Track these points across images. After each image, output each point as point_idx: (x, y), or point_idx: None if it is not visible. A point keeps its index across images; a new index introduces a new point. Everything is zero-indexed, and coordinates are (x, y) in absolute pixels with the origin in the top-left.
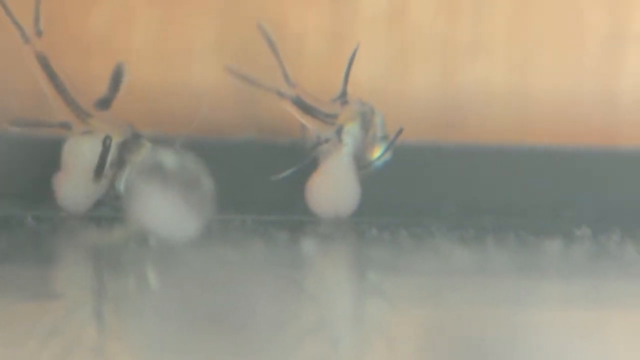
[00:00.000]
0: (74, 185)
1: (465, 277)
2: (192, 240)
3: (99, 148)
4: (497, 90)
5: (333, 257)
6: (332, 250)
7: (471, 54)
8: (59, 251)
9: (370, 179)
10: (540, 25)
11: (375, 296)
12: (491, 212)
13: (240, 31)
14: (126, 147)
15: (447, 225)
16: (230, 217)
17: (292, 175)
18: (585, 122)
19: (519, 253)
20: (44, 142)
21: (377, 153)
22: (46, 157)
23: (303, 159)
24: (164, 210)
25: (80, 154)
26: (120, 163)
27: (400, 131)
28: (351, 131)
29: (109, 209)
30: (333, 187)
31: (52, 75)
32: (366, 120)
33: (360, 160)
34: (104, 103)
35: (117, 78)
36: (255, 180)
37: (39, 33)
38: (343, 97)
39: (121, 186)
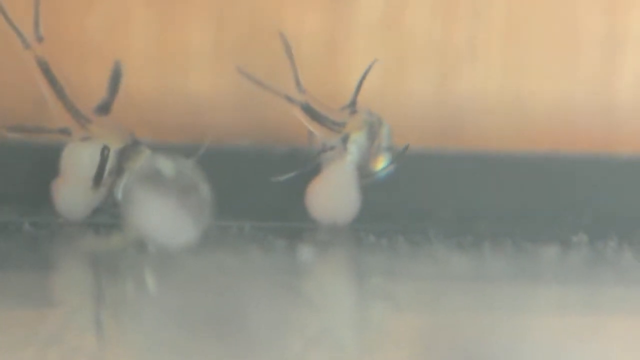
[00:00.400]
0: (73, 192)
1: (463, 283)
2: (190, 247)
3: (97, 155)
4: (493, 97)
5: (331, 263)
6: (330, 257)
7: (468, 60)
8: (56, 257)
9: (368, 186)
10: (537, 31)
11: (373, 302)
12: (488, 218)
13: (238, 37)
14: (125, 155)
15: (444, 231)
16: (228, 224)
17: (293, 179)
18: (582, 128)
19: (516, 259)
20: (41, 148)
21: (380, 164)
22: (44, 163)
23: (306, 164)
24: (162, 217)
25: (79, 161)
26: (118, 170)
27: (406, 147)
28: (357, 140)
29: (107, 216)
30: (334, 195)
31: (52, 81)
32: (373, 130)
33: (363, 170)
34: (104, 108)
35: (116, 78)
36: (253, 186)
37: (39, 39)
38: (352, 106)
39: (119, 193)
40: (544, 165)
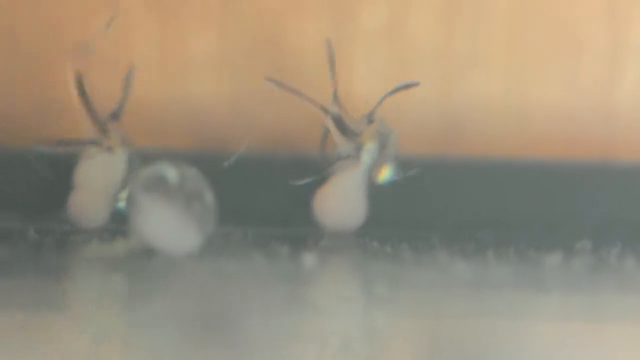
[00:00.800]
0: (90, 203)
1: (466, 290)
2: (193, 253)
3: (113, 166)
4: (495, 104)
5: (334, 270)
6: (333, 263)
7: (469, 67)
8: (60, 264)
9: (372, 193)
10: (539, 39)
11: (376, 309)
12: (491, 225)
13: (240, 44)
14: (131, 163)
15: (447, 238)
16: (231, 230)
17: (298, 185)
18: (584, 135)
19: (519, 266)
20: (45, 155)
21: (385, 172)
22: (49, 170)
23: (324, 171)
24: (167, 224)
25: (96, 172)
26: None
27: (415, 171)
28: (370, 150)
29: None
30: (345, 202)
31: (83, 93)
32: (383, 140)
33: (370, 178)
34: (116, 115)
35: (128, 84)
36: (256, 192)
37: (87, 53)
38: (370, 117)
39: (123, 201)
40: (547, 172)
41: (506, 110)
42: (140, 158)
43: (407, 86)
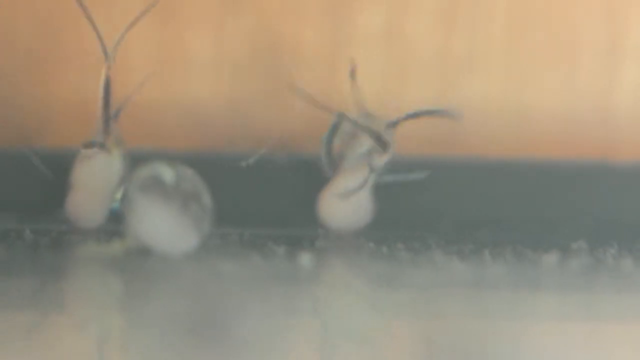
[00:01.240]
0: (88, 203)
1: (463, 290)
2: (189, 254)
3: (111, 167)
4: (493, 106)
5: (330, 270)
6: (329, 264)
7: (468, 69)
8: (57, 264)
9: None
10: (537, 41)
11: (372, 310)
12: (488, 225)
13: (238, 45)
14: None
15: (444, 239)
16: (228, 231)
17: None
18: (581, 136)
19: (516, 266)
20: (41, 155)
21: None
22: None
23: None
24: (163, 225)
25: (94, 172)
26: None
27: (417, 176)
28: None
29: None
30: (351, 202)
31: (107, 96)
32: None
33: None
34: (114, 115)
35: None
36: (253, 193)
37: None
38: (395, 124)
39: (120, 201)
40: (544, 172)
41: (504, 111)
42: (138, 159)
43: (447, 114)
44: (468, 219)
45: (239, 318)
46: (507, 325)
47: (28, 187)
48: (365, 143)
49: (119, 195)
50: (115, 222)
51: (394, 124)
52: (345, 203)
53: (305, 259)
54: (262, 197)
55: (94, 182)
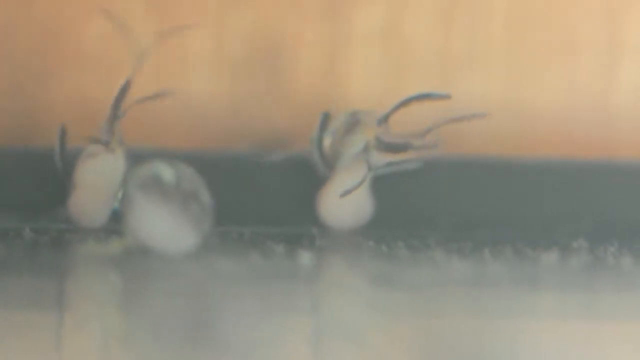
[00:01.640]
0: (92, 202)
1: (463, 289)
2: (189, 253)
3: (114, 166)
4: (493, 105)
5: (330, 269)
6: (329, 263)
7: (467, 68)
8: (56, 263)
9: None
10: (536, 40)
11: (372, 308)
12: (488, 224)
13: (238, 44)
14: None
15: (444, 237)
16: (227, 229)
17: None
18: (581, 135)
19: (516, 265)
20: (41, 155)
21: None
22: (44, 170)
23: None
24: (162, 224)
25: (98, 171)
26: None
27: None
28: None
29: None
30: (350, 200)
31: (121, 98)
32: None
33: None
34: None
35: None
36: (253, 192)
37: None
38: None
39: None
40: (544, 171)
41: (503, 110)
42: (137, 158)
43: (434, 96)
44: (467, 218)
45: (236, 317)
46: (507, 323)
47: (28, 186)
48: (360, 141)
49: (120, 195)
50: (115, 221)
51: (385, 118)
52: (344, 202)
53: (305, 257)
54: (261, 196)
55: (98, 182)
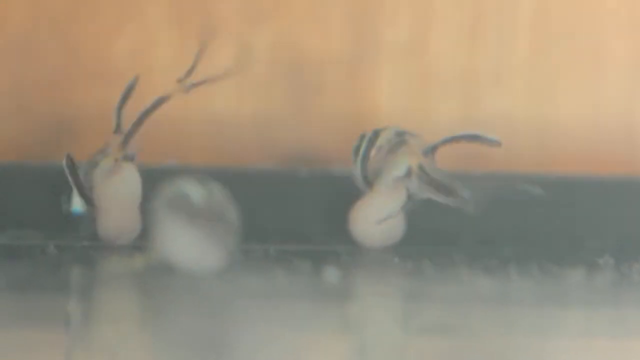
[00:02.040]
0: (120, 219)
1: (488, 306)
2: (214, 271)
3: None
4: (518, 121)
5: (355, 286)
6: (355, 280)
7: (493, 83)
8: (80, 280)
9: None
10: (561, 56)
11: (398, 325)
12: (514, 241)
13: (261, 59)
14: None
15: (469, 254)
16: (252, 247)
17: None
18: (607, 151)
19: (542, 282)
20: (64, 171)
21: None
22: (68, 187)
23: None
24: (189, 244)
25: (121, 187)
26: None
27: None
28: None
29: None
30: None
31: (148, 113)
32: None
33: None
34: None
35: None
36: (277, 209)
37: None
38: (433, 149)
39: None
40: (570, 187)
41: (528, 126)
42: (161, 175)
43: (486, 140)
44: (493, 235)
45: (261, 335)
46: (532, 340)
47: (52, 203)
48: (403, 165)
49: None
50: (140, 238)
51: (432, 149)
52: (377, 221)
53: (330, 274)
54: (286, 213)
55: (124, 198)
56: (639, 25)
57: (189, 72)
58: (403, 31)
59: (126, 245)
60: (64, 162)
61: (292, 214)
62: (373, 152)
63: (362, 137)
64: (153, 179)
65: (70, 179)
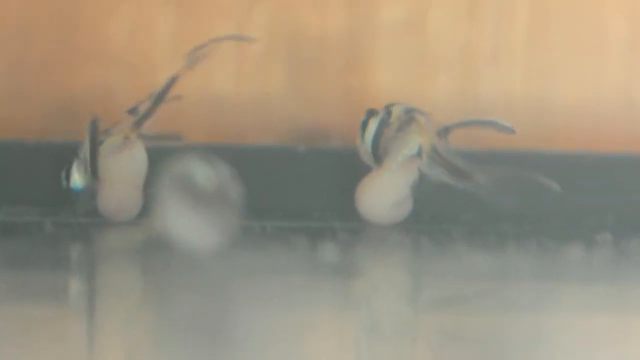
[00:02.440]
0: (124, 196)
1: (486, 283)
2: (215, 248)
3: (141, 158)
4: (517, 99)
5: (352, 263)
6: (351, 257)
7: (491, 61)
8: (77, 256)
9: None
10: (561, 34)
11: (395, 302)
12: (512, 218)
13: (260, 37)
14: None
15: (468, 231)
16: (250, 224)
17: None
18: (605, 128)
19: (540, 259)
20: (61, 148)
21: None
22: (64, 164)
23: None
24: (192, 221)
25: (127, 165)
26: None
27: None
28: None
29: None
30: (395, 197)
31: (164, 93)
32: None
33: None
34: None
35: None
36: (275, 186)
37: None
38: (447, 131)
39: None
40: (568, 165)
41: (527, 104)
42: (161, 153)
43: (501, 127)
44: (491, 211)
45: (260, 311)
46: (531, 317)
47: (50, 179)
48: (415, 144)
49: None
50: (139, 215)
51: (445, 132)
52: (386, 198)
53: (328, 251)
54: (284, 189)
55: (129, 175)
56: (639, 3)
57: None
58: (402, 9)
59: (125, 222)
60: (87, 125)
61: (290, 190)
62: (383, 129)
63: (371, 112)
64: (153, 157)
65: (88, 144)
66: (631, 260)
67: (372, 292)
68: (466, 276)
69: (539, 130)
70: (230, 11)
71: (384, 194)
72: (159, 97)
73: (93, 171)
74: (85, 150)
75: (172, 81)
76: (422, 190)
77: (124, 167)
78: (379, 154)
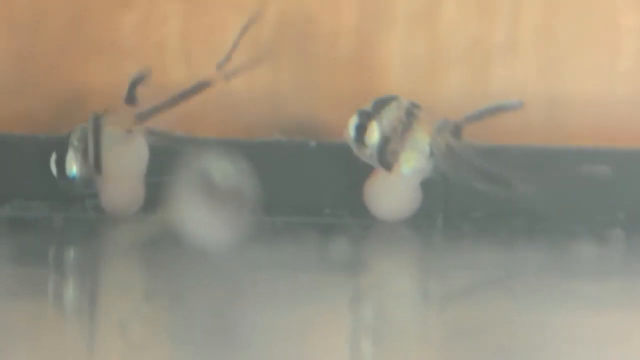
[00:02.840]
0: (126, 191)
1: (498, 278)
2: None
3: (142, 152)
4: (530, 92)
5: (362, 258)
6: (361, 252)
7: (504, 55)
8: (87, 252)
9: None
10: (574, 27)
11: (405, 298)
12: (523, 214)
13: (273, 31)
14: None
15: (478, 227)
16: (261, 219)
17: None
18: (618, 123)
19: (552, 255)
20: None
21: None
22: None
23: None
24: (208, 217)
25: (129, 159)
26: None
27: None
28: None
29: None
30: (402, 193)
31: (187, 94)
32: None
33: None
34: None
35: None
36: (285, 181)
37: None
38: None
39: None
40: (581, 160)
41: (540, 98)
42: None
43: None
44: (503, 207)
45: (269, 306)
46: (542, 313)
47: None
48: (422, 143)
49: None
50: (146, 210)
51: (457, 130)
52: (395, 194)
53: (338, 246)
54: (293, 185)
55: (131, 169)
56: None
57: (228, 56)
58: (414, 2)
59: (129, 217)
60: (90, 119)
61: (301, 186)
62: (388, 133)
63: (365, 115)
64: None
65: (91, 137)
66: None
67: (382, 287)
68: (476, 272)
69: (551, 123)
70: (241, 6)
71: (393, 190)
72: (178, 98)
73: (97, 167)
74: (85, 142)
75: (201, 87)
76: (432, 186)
77: (127, 162)
78: (387, 159)
